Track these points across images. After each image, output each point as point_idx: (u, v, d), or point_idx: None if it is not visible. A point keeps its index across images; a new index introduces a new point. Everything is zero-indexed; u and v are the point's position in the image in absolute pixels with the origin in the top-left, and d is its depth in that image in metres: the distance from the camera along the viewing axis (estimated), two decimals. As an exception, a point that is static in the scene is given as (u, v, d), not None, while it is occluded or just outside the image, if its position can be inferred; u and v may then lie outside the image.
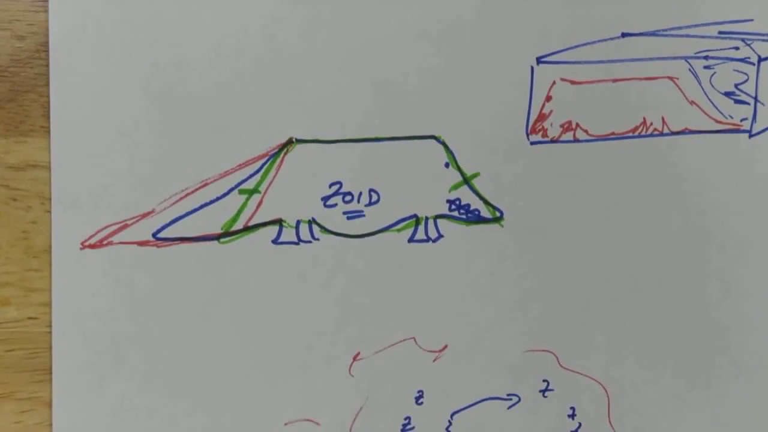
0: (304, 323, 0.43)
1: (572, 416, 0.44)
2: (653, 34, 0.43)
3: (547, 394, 0.44)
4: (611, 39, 0.43)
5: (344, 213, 0.43)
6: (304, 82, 0.42)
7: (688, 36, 0.44)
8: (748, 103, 0.44)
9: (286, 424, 0.43)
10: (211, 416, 0.42)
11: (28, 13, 0.41)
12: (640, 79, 0.43)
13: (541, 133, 0.43)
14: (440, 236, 0.43)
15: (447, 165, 0.43)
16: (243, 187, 0.42)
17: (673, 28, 0.43)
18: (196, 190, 0.42)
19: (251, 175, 0.42)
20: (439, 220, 0.43)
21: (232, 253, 0.42)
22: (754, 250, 0.45)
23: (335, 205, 0.42)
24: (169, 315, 0.42)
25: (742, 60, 0.44)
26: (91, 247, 0.41)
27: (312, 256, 0.42)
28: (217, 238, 0.42)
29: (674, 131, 0.44)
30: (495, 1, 0.43)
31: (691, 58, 0.44)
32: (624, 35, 0.43)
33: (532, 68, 0.43)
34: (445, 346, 0.43)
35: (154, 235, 0.41)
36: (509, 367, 0.44)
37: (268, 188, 0.42)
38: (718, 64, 0.44)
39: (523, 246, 0.43)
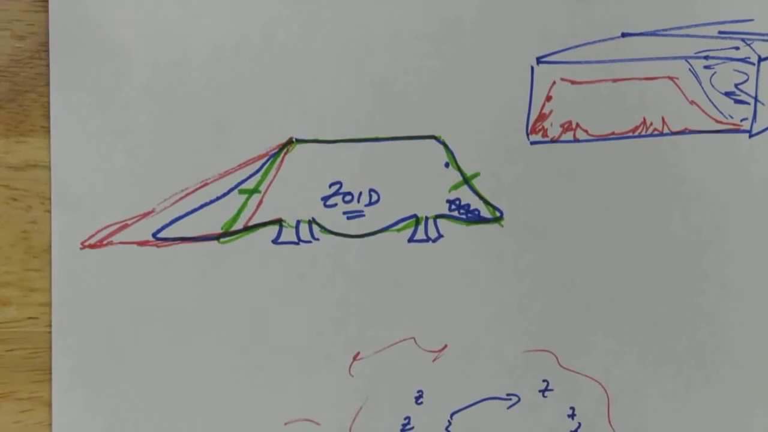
0: (304, 323, 0.43)
1: (572, 416, 0.44)
2: (653, 34, 0.43)
3: (546, 394, 0.44)
4: (611, 39, 0.43)
5: (344, 213, 0.43)
6: (304, 82, 0.42)
7: (688, 36, 0.44)
8: (748, 103, 0.44)
9: (286, 424, 0.43)
10: (211, 416, 0.42)
11: (28, 13, 0.41)
12: (640, 79, 0.43)
13: (541, 133, 0.43)
14: (440, 236, 0.43)
15: (447, 165, 0.43)
16: (243, 187, 0.42)
17: (673, 28, 0.43)
18: (196, 190, 0.42)
19: (251, 175, 0.42)
20: (439, 220, 0.43)
21: (232, 253, 0.42)
22: (754, 250, 0.45)
23: (335, 205, 0.42)
24: (168, 315, 0.42)
25: (742, 60, 0.44)
26: (91, 247, 0.41)
27: (312, 256, 0.42)
28: (217, 238, 0.42)
29: (674, 131, 0.44)
30: (495, 1, 0.43)
31: (691, 58, 0.44)
32: (624, 35, 0.43)
33: (532, 68, 0.43)
34: (445, 346, 0.43)
35: (154, 235, 0.41)
36: (509, 367, 0.44)
37: (268, 188, 0.42)
38: (718, 64, 0.44)
39: (523, 246, 0.43)
